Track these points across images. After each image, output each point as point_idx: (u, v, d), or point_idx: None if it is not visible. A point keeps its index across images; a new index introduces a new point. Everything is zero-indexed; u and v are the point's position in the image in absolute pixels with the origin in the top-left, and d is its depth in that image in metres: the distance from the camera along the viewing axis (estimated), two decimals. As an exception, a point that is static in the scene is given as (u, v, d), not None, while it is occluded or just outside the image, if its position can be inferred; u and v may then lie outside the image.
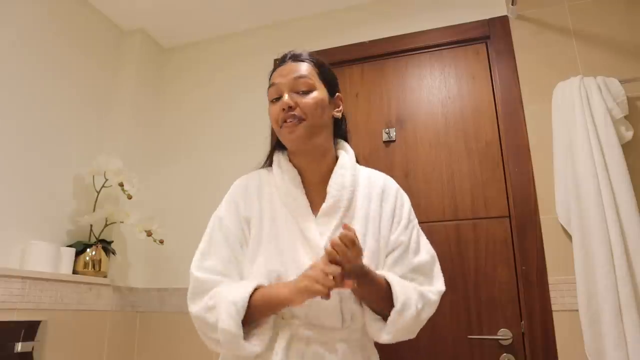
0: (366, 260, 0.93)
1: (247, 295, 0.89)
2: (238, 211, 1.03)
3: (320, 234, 0.97)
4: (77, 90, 1.98)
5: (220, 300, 0.89)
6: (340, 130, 1.15)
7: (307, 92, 1.02)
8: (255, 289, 0.91)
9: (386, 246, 1.03)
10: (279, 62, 1.09)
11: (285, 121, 1.00)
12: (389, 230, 1.04)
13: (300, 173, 1.06)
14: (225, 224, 1.02)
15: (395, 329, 0.92)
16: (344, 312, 0.95)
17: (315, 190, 1.05)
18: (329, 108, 1.06)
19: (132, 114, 2.16)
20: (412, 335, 0.98)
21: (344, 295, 0.94)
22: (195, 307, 0.93)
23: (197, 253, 1.00)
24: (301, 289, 0.85)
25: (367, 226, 1.01)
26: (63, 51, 1.93)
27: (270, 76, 1.09)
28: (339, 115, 1.10)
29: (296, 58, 1.07)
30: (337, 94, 1.11)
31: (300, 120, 0.99)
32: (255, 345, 0.89)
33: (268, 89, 1.07)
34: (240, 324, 0.87)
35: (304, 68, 1.05)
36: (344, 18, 2.13)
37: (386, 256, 1.03)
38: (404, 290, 0.93)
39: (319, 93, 1.03)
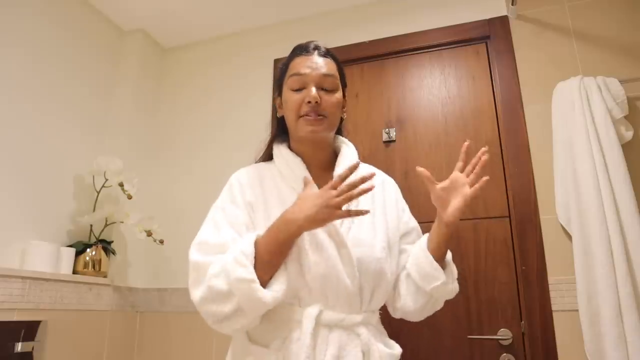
0: (380, 238, 0.99)
1: (252, 241, 0.86)
2: (242, 197, 1.01)
3: None
4: (77, 91, 1.98)
5: (226, 259, 0.86)
6: (340, 128, 1.17)
7: (331, 91, 1.03)
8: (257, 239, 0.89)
9: (397, 227, 1.07)
10: (302, 50, 1.07)
11: (307, 114, 1.01)
12: (395, 211, 1.09)
13: (303, 161, 1.06)
14: (229, 210, 0.99)
15: (452, 278, 1.00)
16: (363, 293, 0.95)
17: (318, 176, 1.04)
18: (341, 110, 1.09)
19: (132, 114, 2.16)
20: (440, 305, 1.05)
21: (362, 273, 0.94)
22: (199, 290, 0.88)
23: (197, 239, 0.96)
24: (313, 217, 0.85)
25: (374, 206, 1.04)
26: (63, 51, 1.93)
27: (289, 62, 1.07)
28: (344, 115, 1.13)
29: (321, 52, 1.06)
30: (345, 92, 1.13)
31: (322, 116, 1.01)
32: (275, 291, 0.85)
33: (288, 74, 1.05)
34: (253, 270, 0.83)
35: (331, 66, 1.05)
36: (344, 18, 2.13)
37: (400, 238, 1.08)
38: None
39: (340, 94, 1.05)
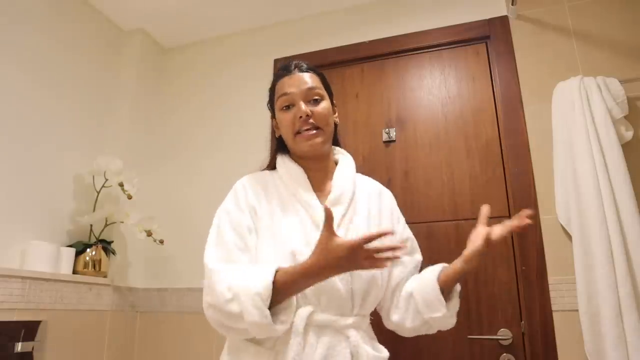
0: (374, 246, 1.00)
1: (270, 283, 0.87)
2: (245, 201, 1.05)
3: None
4: (77, 91, 1.98)
5: (242, 291, 0.87)
6: (336, 134, 1.20)
7: (318, 102, 1.09)
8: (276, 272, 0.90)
9: (391, 237, 1.06)
10: (284, 72, 1.12)
11: (300, 130, 1.06)
12: (390, 221, 1.13)
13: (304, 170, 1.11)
14: (233, 214, 1.03)
15: (454, 310, 1.05)
16: (355, 297, 0.97)
17: (318, 187, 1.09)
18: (333, 116, 1.14)
19: (132, 114, 2.16)
20: (434, 331, 1.09)
21: (354, 279, 0.97)
22: (212, 298, 0.92)
23: (207, 246, 1.01)
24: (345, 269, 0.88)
25: (369, 221, 1.07)
26: (63, 51, 1.93)
27: (275, 85, 1.13)
28: (337, 120, 1.18)
29: (302, 69, 1.12)
30: (333, 100, 1.18)
31: (316, 128, 1.06)
32: (283, 322, 0.88)
33: (277, 97, 1.11)
34: (268, 313, 0.85)
35: (313, 79, 1.11)
36: (344, 18, 2.13)
37: None
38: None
39: (327, 102, 1.11)
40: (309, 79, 1.09)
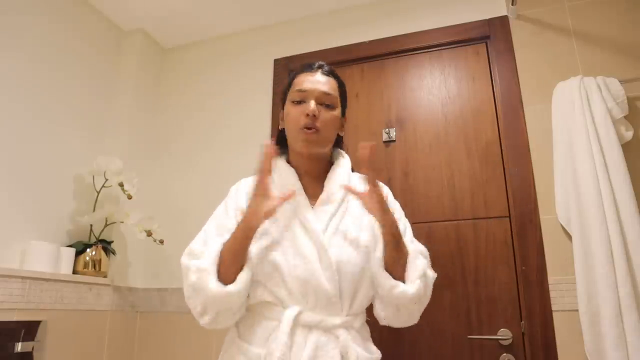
0: (365, 238, 1.02)
1: (222, 240, 0.95)
2: (235, 205, 1.07)
3: (319, 222, 1.02)
4: (77, 91, 1.98)
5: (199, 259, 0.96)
6: (338, 143, 1.21)
7: (329, 108, 1.09)
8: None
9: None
10: (307, 68, 1.13)
11: (306, 127, 1.06)
12: None
13: (297, 172, 1.12)
14: (220, 219, 1.06)
15: (420, 284, 0.96)
16: (343, 297, 0.97)
17: (311, 187, 1.10)
18: (338, 127, 1.14)
19: (132, 114, 2.16)
20: (415, 318, 1.03)
21: (342, 277, 0.97)
22: (185, 290, 0.97)
23: (188, 247, 1.03)
24: (256, 217, 0.93)
25: (362, 220, 1.06)
26: (63, 51, 1.93)
27: (294, 77, 1.14)
28: (342, 134, 1.19)
29: (325, 71, 1.13)
30: (345, 111, 1.18)
31: (317, 130, 1.06)
32: (227, 287, 0.91)
33: (292, 90, 1.12)
34: (212, 262, 0.92)
35: (332, 85, 1.12)
36: (344, 18, 2.13)
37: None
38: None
39: (337, 112, 1.11)
40: (327, 82, 1.10)
